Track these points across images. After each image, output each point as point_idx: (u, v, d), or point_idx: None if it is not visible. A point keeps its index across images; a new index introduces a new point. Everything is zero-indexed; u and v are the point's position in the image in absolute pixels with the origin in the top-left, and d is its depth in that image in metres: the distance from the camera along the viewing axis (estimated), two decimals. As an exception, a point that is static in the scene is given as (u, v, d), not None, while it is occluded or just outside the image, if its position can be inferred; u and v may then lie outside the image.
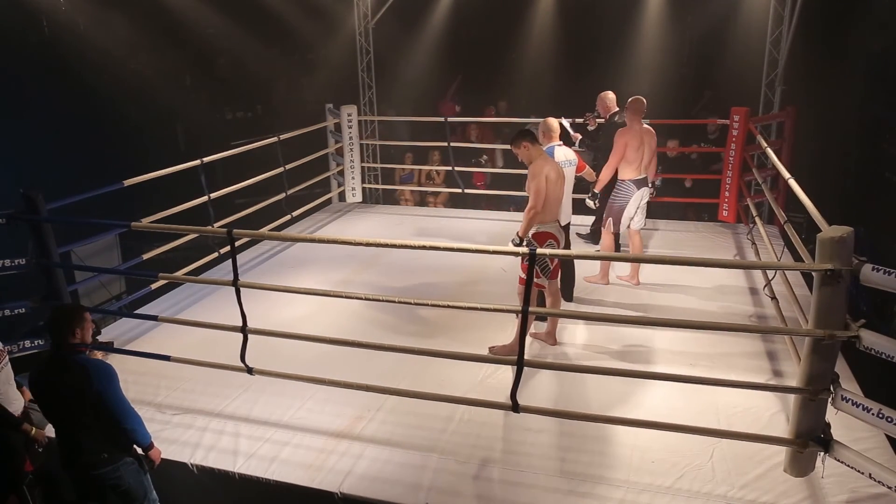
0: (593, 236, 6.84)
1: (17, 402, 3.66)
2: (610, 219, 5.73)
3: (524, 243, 4.40)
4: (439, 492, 3.41)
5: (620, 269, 6.02)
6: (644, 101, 5.65)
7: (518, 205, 8.21)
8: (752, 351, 4.65)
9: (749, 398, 3.98)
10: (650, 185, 5.83)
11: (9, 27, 7.23)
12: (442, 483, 3.47)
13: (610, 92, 6.22)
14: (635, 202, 5.69)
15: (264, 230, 6.75)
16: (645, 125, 5.70)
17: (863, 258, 2.94)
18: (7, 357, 3.69)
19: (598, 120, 6.42)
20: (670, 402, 4.01)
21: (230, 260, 3.91)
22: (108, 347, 4.59)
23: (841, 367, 3.60)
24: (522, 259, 4.36)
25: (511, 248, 4.22)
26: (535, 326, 4.93)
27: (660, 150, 8.04)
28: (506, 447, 3.73)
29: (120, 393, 3.11)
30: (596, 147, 6.23)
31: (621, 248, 6.50)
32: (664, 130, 8.42)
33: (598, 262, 6.01)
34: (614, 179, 5.70)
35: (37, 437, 3.65)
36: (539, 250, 3.41)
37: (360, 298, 4.04)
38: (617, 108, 6.20)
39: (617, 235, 5.92)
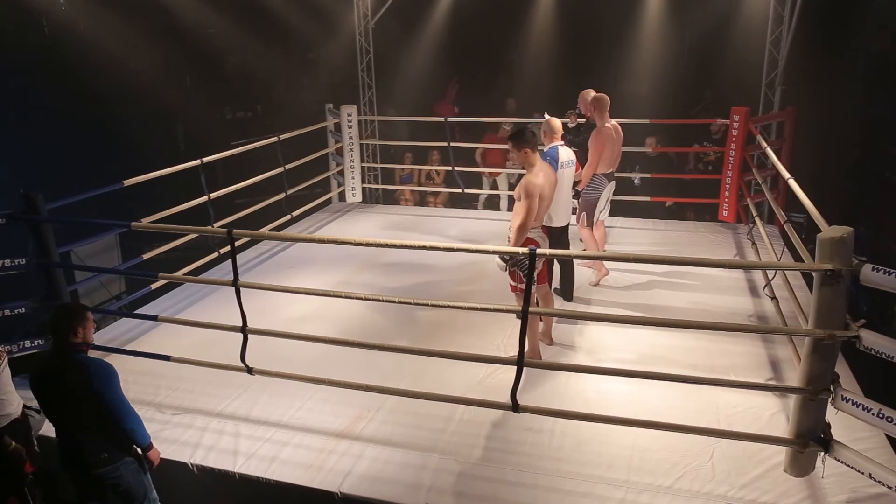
0: None
1: (14, 405, 3.65)
2: (584, 213, 5.83)
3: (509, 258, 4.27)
4: (439, 492, 3.41)
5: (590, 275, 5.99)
6: (607, 98, 5.73)
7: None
8: (752, 351, 4.65)
9: (749, 398, 3.99)
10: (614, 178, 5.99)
11: (9, 27, 7.23)
12: (442, 483, 3.47)
13: (591, 90, 6.24)
14: (606, 195, 5.84)
15: (264, 230, 6.74)
16: (613, 122, 5.77)
17: (863, 258, 2.94)
18: (6, 358, 3.68)
19: (579, 119, 6.44)
20: (670, 401, 4.01)
21: (230, 260, 3.92)
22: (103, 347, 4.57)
23: (841, 367, 3.60)
24: (508, 269, 4.32)
25: (511, 248, 4.20)
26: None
27: (661, 150, 8.10)
28: (506, 447, 3.73)
29: (120, 393, 3.11)
30: (577, 143, 6.23)
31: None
32: (665, 130, 8.45)
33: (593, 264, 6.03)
34: None
35: (16, 451, 3.54)
36: (539, 250, 3.40)
37: (360, 298, 4.04)
38: None
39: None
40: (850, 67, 8.21)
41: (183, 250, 5.92)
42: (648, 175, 7.97)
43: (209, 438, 3.87)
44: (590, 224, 5.84)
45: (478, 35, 10.57)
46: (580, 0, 9.55)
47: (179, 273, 5.61)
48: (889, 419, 2.90)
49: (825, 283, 2.95)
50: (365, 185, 9.00)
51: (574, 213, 6.01)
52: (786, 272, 4.80)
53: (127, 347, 4.83)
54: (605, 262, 5.95)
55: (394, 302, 3.92)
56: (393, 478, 3.51)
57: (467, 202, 9.33)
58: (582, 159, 5.73)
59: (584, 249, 5.95)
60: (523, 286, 3.98)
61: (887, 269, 2.87)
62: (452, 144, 8.23)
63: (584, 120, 6.35)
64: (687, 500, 3.30)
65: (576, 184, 5.76)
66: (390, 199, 9.76)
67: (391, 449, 3.72)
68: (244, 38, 9.63)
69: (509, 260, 4.18)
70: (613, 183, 5.93)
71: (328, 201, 8.80)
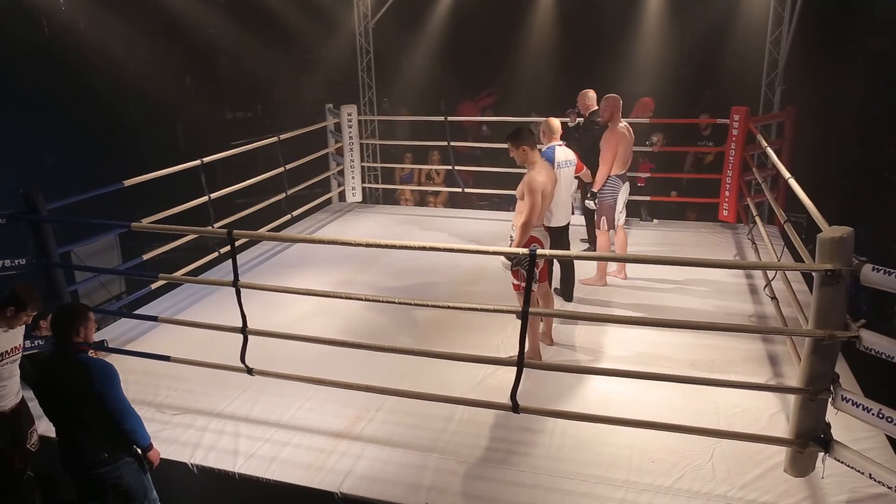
0: (594, 245, 6.80)
1: (10, 398, 3.64)
2: (603, 217, 5.74)
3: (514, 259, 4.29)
4: (439, 492, 3.41)
5: (609, 266, 6.00)
6: (620, 98, 5.69)
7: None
8: (752, 351, 4.65)
9: (749, 398, 3.98)
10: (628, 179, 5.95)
11: (9, 27, 7.23)
12: (442, 483, 3.47)
13: (591, 90, 6.24)
14: (622, 197, 5.76)
15: (264, 230, 6.74)
16: (625, 122, 5.74)
17: (863, 258, 2.94)
18: (19, 354, 3.69)
19: (578, 118, 6.45)
20: (670, 402, 4.00)
21: (230, 260, 3.92)
22: (101, 346, 4.57)
23: (841, 367, 3.60)
24: (511, 269, 4.33)
25: (511, 248, 4.20)
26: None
27: (662, 149, 8.09)
28: (506, 447, 3.73)
29: (121, 393, 3.11)
30: (576, 143, 6.23)
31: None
32: (665, 130, 8.44)
33: (593, 265, 6.02)
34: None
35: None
36: (539, 251, 3.40)
37: (360, 299, 4.04)
38: (596, 107, 6.20)
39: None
40: (850, 67, 8.21)
41: (183, 250, 5.92)
42: (649, 174, 7.95)
43: (209, 438, 3.87)
44: (611, 227, 5.75)
45: (478, 35, 10.57)
46: (580, 0, 9.55)
47: (179, 273, 5.61)
48: (889, 419, 2.90)
49: (825, 284, 2.95)
50: (365, 185, 9.00)
51: (574, 212, 6.01)
52: (786, 272, 4.80)
53: (127, 347, 4.83)
54: (606, 276, 5.91)
55: (394, 302, 3.92)
56: (393, 478, 3.51)
57: (467, 202, 9.34)
58: (582, 158, 5.73)
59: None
60: (523, 283, 3.98)
61: (887, 269, 2.86)
62: (452, 144, 8.23)
63: (582, 119, 6.36)
64: (687, 500, 3.30)
65: (589, 185, 5.72)
66: (390, 199, 9.76)
67: (391, 449, 3.72)
68: (244, 38, 9.63)
69: (513, 259, 4.20)
70: (628, 184, 5.86)
71: (328, 201, 8.79)
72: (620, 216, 5.83)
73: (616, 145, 5.57)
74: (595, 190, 5.70)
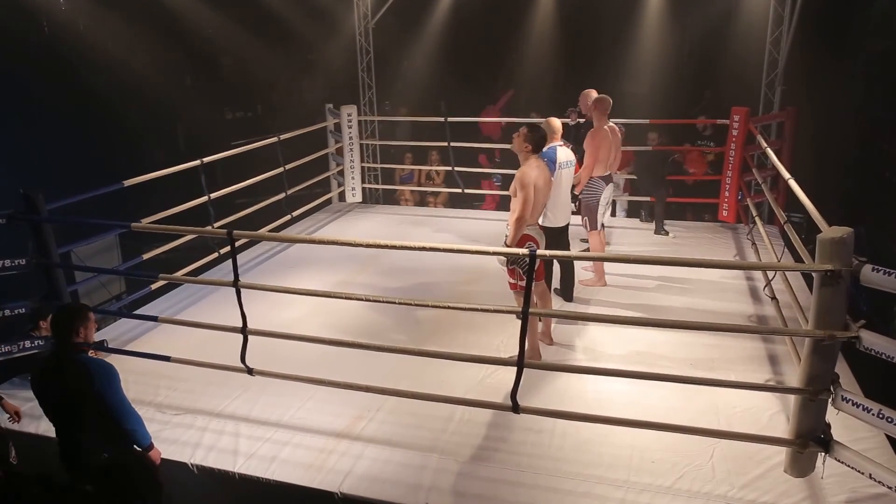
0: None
1: None
2: (587, 218, 5.74)
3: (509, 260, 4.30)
4: (439, 492, 3.41)
5: (586, 274, 5.99)
6: (609, 99, 5.70)
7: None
8: (752, 351, 4.65)
9: (749, 398, 3.98)
10: (614, 180, 5.95)
11: (9, 27, 7.22)
12: (442, 483, 3.47)
13: (593, 90, 6.25)
14: (605, 198, 5.76)
15: (264, 230, 6.74)
16: (611, 123, 5.74)
17: (863, 258, 2.94)
18: None
19: (579, 118, 6.45)
20: (670, 402, 4.01)
21: (230, 260, 3.92)
22: (101, 346, 4.58)
23: (841, 367, 3.61)
24: (507, 267, 4.34)
25: (509, 248, 4.20)
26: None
27: (660, 148, 8.09)
28: (506, 447, 3.73)
29: (121, 393, 3.11)
30: (578, 140, 6.23)
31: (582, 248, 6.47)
32: (665, 130, 8.44)
33: (591, 265, 6.03)
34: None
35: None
36: (539, 252, 3.41)
37: (360, 299, 4.04)
38: None
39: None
40: (850, 67, 8.21)
41: (183, 250, 5.92)
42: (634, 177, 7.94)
43: (209, 438, 3.87)
44: (594, 228, 5.77)
45: (478, 35, 10.56)
46: (580, 0, 9.56)
47: (179, 273, 5.61)
48: (889, 419, 2.90)
49: (825, 284, 2.95)
50: (365, 186, 9.00)
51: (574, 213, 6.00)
52: (786, 272, 4.80)
53: (127, 347, 4.83)
54: (604, 276, 5.90)
55: (394, 302, 3.92)
56: (393, 478, 3.51)
57: (467, 202, 9.34)
58: (580, 158, 5.74)
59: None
60: (522, 283, 3.99)
61: (887, 270, 2.87)
62: (452, 144, 8.23)
63: (583, 119, 6.36)
64: (687, 500, 3.31)
65: (573, 187, 5.73)
66: (390, 199, 9.76)
67: (391, 449, 3.73)
68: (244, 38, 9.63)
69: (509, 257, 4.21)
70: (612, 186, 5.88)
71: (328, 201, 8.80)
72: (604, 217, 5.84)
73: (598, 148, 5.55)
74: (577, 193, 5.64)
